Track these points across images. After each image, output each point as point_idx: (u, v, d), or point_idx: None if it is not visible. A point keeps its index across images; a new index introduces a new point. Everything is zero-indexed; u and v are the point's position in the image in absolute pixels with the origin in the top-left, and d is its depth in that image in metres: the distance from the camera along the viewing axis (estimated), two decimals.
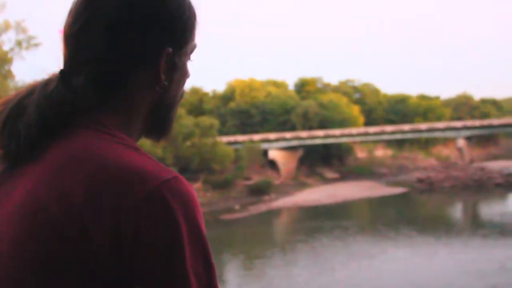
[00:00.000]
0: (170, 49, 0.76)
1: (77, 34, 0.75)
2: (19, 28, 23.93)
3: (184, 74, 0.81)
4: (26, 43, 23.95)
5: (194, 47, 0.81)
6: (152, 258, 0.65)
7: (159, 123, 0.81)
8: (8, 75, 23.91)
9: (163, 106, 0.79)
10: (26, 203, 0.69)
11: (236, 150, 37.11)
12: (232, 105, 47.32)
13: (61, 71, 0.75)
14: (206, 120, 35.90)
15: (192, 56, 0.81)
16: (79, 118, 0.73)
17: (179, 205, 0.67)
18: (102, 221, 0.65)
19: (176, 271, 0.66)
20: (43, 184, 0.69)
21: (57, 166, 0.69)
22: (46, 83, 0.75)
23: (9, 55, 23.87)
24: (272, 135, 42.00)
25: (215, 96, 49.77)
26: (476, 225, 24.21)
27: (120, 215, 0.65)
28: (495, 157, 55.39)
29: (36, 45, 24.11)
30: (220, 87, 50.88)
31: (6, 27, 24.05)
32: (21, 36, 23.96)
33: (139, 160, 0.69)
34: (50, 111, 0.72)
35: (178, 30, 0.77)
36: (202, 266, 0.68)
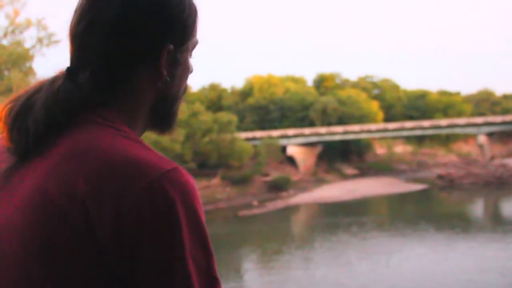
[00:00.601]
0: (172, 46, 0.79)
1: (82, 33, 0.78)
2: (40, 25, 24.25)
3: (186, 70, 0.84)
4: (47, 40, 24.27)
5: (195, 43, 0.84)
6: (153, 246, 0.69)
7: (162, 117, 0.84)
8: (30, 72, 24.24)
9: (166, 101, 0.82)
10: (34, 195, 0.72)
11: (255, 146, 37.17)
12: (251, 101, 47.39)
13: (68, 69, 0.79)
14: (224, 116, 36.01)
15: (194, 52, 0.84)
16: (85, 113, 0.76)
17: (179, 195, 0.70)
18: (104, 211, 0.69)
19: (176, 259, 0.69)
20: (49, 177, 0.72)
21: (63, 159, 0.73)
22: (53, 80, 0.78)
23: (31, 52, 24.19)
24: (290, 131, 42.00)
25: (234, 92, 49.90)
26: (497, 223, 23.93)
27: (122, 205, 0.69)
28: None
29: (57, 42, 24.41)
30: (238, 83, 51.04)
31: (27, 24, 24.38)
32: (42, 33, 24.28)
33: (141, 152, 0.72)
34: (57, 108, 0.75)
35: (179, 28, 0.80)
36: (201, 254, 0.71)
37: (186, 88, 0.86)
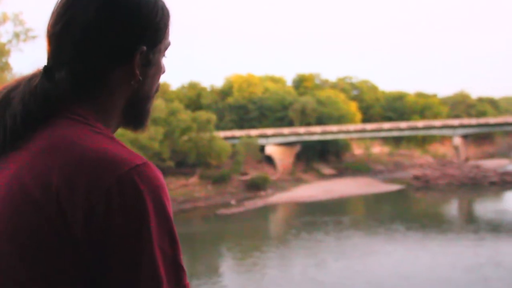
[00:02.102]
0: (144, 47, 0.83)
1: (58, 33, 0.82)
2: (17, 20, 23.95)
3: (159, 70, 0.88)
4: (24, 35, 23.98)
5: (168, 44, 0.88)
6: (122, 236, 0.72)
7: (136, 115, 0.88)
8: (6, 67, 23.97)
9: (139, 99, 0.87)
10: (11, 187, 0.76)
11: (233, 145, 37.26)
12: (230, 100, 47.44)
13: (45, 67, 0.83)
14: (203, 115, 35.99)
15: (167, 53, 0.90)
16: (61, 110, 0.80)
17: (147, 188, 0.74)
18: (76, 202, 0.72)
19: (144, 248, 0.73)
20: (25, 169, 0.76)
21: (38, 154, 0.76)
22: (31, 78, 0.83)
23: (7, 47, 23.90)
24: (269, 131, 42.15)
25: (213, 91, 49.86)
26: (470, 222, 24.44)
27: (93, 197, 0.72)
28: (491, 156, 55.82)
29: (34, 37, 24.14)
30: (218, 82, 51.00)
31: (3, 19, 24.06)
32: (18, 29, 23.99)
33: (112, 147, 0.76)
34: (34, 104, 0.79)
35: (152, 30, 0.84)
36: (168, 243, 0.75)
37: (158, 87, 0.90)
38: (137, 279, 0.73)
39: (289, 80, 54.49)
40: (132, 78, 0.83)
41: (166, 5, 0.87)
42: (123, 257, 0.73)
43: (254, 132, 41.66)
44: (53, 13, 0.83)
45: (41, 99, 0.79)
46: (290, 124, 45.09)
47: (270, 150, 40.68)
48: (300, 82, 53.76)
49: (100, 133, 0.78)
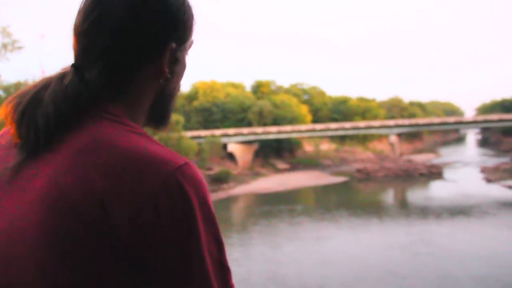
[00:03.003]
0: (174, 45, 0.75)
1: (87, 31, 0.73)
2: (5, 32, 23.32)
3: (184, 68, 0.80)
4: (11, 46, 23.37)
5: (192, 43, 0.80)
6: (170, 240, 0.64)
7: (160, 113, 0.80)
8: None
9: (165, 97, 0.79)
10: (49, 190, 0.65)
11: (199, 144, 37.09)
12: (196, 104, 47.17)
13: (75, 66, 0.73)
14: (172, 117, 35.69)
15: (189, 51, 0.82)
16: (93, 109, 0.71)
17: (192, 188, 0.65)
18: (122, 206, 0.63)
19: (193, 251, 0.65)
20: (63, 173, 0.65)
21: (76, 154, 0.66)
22: (61, 77, 0.73)
23: None
24: (231, 131, 42.04)
25: (181, 95, 49.16)
26: (403, 208, 25.16)
27: (139, 200, 0.63)
28: (420, 151, 57.29)
29: (20, 48, 23.57)
30: (185, 88, 50.54)
31: None
32: (6, 40, 23.36)
33: (152, 147, 0.67)
34: (66, 103, 0.70)
35: (180, 28, 0.76)
36: (215, 245, 0.67)
37: (180, 86, 0.82)
38: (188, 283, 0.65)
39: (248, 86, 54.51)
40: (160, 76, 0.75)
41: (191, 4, 0.79)
42: (173, 262, 0.64)
43: (217, 132, 41.57)
44: (80, 10, 0.74)
45: (73, 99, 0.70)
46: (249, 124, 45.20)
47: (232, 147, 40.69)
48: (258, 88, 53.82)
49: (136, 133, 0.70)
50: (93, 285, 0.64)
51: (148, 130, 0.78)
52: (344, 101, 57.17)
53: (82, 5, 0.74)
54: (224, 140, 40.50)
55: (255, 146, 42.14)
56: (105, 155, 0.65)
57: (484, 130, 79.81)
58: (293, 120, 46.23)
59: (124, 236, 0.63)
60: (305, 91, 57.69)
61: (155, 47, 0.74)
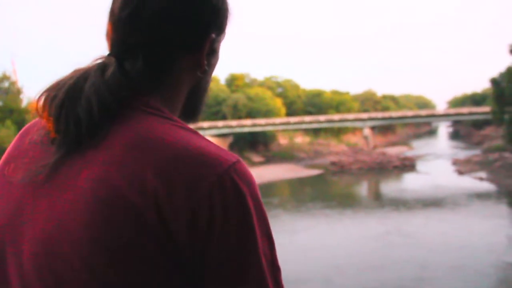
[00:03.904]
0: (213, 35, 0.72)
1: (126, 19, 0.69)
2: None
3: (218, 59, 0.77)
4: None
5: (225, 35, 0.77)
6: (227, 238, 0.62)
7: (195, 106, 0.77)
8: None
9: (200, 90, 0.76)
10: (100, 189, 0.61)
11: None
12: None
13: (115, 56, 0.69)
14: None
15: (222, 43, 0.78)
16: (133, 102, 0.67)
17: (246, 186, 0.63)
18: (177, 205, 0.61)
19: (251, 251, 0.63)
20: (112, 169, 0.62)
21: (124, 150, 0.63)
22: (101, 67, 0.68)
23: None
24: (205, 124, 41.79)
25: None
26: (377, 200, 25.54)
27: (195, 198, 0.61)
28: (393, 144, 58.10)
29: None
30: None
31: None
32: None
33: (203, 143, 0.65)
34: (109, 96, 0.66)
35: (220, 18, 0.73)
36: (267, 245, 0.65)
37: (211, 79, 0.79)
38: (245, 283, 0.62)
39: (222, 79, 54.34)
40: (198, 68, 0.72)
41: None
42: (229, 261, 0.62)
43: (191, 125, 41.26)
44: None
45: (117, 91, 0.66)
46: (224, 118, 45.08)
47: None
48: (232, 81, 53.68)
49: (184, 128, 0.67)
50: (142, 285, 0.61)
51: None
52: (318, 94, 57.44)
53: None
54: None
55: (229, 139, 42.08)
56: (156, 152, 0.62)
57: (455, 123, 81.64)
58: (267, 113, 46.29)
59: (179, 235, 0.60)
60: (279, 84, 57.80)
61: (197, 38, 0.71)
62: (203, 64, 0.72)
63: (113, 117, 0.65)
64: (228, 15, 0.75)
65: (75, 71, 0.69)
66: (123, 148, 0.63)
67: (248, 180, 0.64)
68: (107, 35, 0.71)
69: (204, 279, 0.62)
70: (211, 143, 0.66)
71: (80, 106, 0.65)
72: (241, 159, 0.65)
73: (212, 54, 0.74)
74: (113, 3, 0.71)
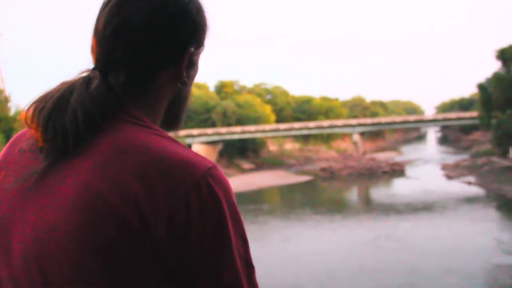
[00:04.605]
0: (192, 49, 0.77)
1: (110, 35, 0.73)
2: None
3: (197, 71, 0.82)
4: None
5: (204, 47, 0.81)
6: (203, 237, 0.66)
7: (175, 115, 0.82)
8: None
9: (180, 100, 0.81)
10: (84, 194, 0.66)
11: None
12: None
13: (99, 70, 0.74)
14: None
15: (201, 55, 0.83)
16: (118, 113, 0.72)
17: (221, 190, 0.68)
18: (157, 208, 0.65)
19: (225, 247, 0.67)
20: (97, 176, 0.66)
21: (108, 158, 0.67)
22: (86, 81, 0.73)
23: None
24: (195, 131, 41.88)
25: None
26: (367, 205, 25.69)
27: (173, 201, 0.65)
28: (383, 149, 58.52)
29: None
30: None
31: None
32: None
33: (181, 150, 0.69)
34: (94, 107, 0.70)
35: (198, 32, 0.78)
36: (241, 244, 0.70)
37: (191, 89, 0.84)
38: (220, 282, 0.67)
39: (211, 86, 54.36)
40: (178, 79, 0.77)
41: (206, 10, 0.81)
42: (205, 261, 0.67)
43: (181, 132, 39.71)
44: (101, 14, 0.75)
45: (101, 102, 0.71)
46: (213, 125, 45.10)
47: (196, 148, 40.43)
48: (221, 88, 53.71)
49: (163, 136, 0.71)
50: (126, 284, 0.65)
51: None
52: (307, 100, 57.68)
53: (102, 8, 0.75)
54: (189, 140, 40.30)
55: (219, 147, 42.11)
56: (138, 158, 0.67)
57: (444, 128, 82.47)
58: (257, 120, 46.38)
59: (159, 236, 0.65)
60: (268, 91, 57.95)
61: (176, 52, 0.75)
62: (182, 76, 0.77)
63: (98, 127, 0.70)
64: (207, 29, 0.80)
65: (62, 84, 0.74)
66: (106, 155, 0.67)
67: (224, 185, 0.68)
68: (92, 50, 0.76)
69: (186, 278, 0.67)
70: (189, 150, 0.70)
71: (67, 117, 0.69)
72: (217, 165, 0.70)
73: (191, 66, 0.79)
74: (97, 20, 0.75)
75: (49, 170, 0.69)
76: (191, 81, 0.81)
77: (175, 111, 0.81)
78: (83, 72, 0.75)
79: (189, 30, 0.76)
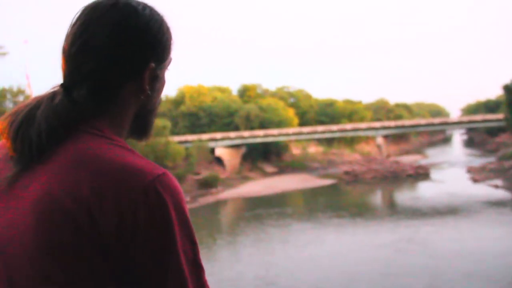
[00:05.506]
0: (153, 64, 0.82)
1: (74, 55, 0.79)
2: None
3: (163, 84, 0.87)
4: None
5: (170, 60, 0.87)
6: (149, 242, 0.71)
7: (142, 126, 0.87)
8: None
9: (146, 112, 0.86)
10: (42, 198, 0.73)
11: (187, 148, 37.14)
12: (183, 108, 47.16)
13: (64, 86, 0.80)
14: (159, 122, 35.65)
15: (169, 67, 0.88)
16: (80, 125, 0.78)
17: (169, 195, 0.73)
18: (106, 212, 0.71)
19: (170, 252, 0.72)
20: (54, 182, 0.73)
21: (65, 166, 0.74)
22: (52, 96, 0.80)
23: None
24: (218, 135, 42.13)
25: (167, 100, 49.35)
26: (391, 208, 25.50)
27: (122, 207, 0.71)
28: (407, 152, 57.75)
29: (4, 54, 23.51)
30: (171, 93, 50.42)
31: None
32: None
33: (133, 159, 0.75)
34: (56, 121, 0.77)
35: (159, 49, 0.83)
36: (189, 246, 0.74)
37: (161, 100, 0.89)
38: (165, 280, 0.73)
39: (234, 90, 54.62)
40: (141, 93, 0.82)
41: (169, 25, 0.86)
42: (151, 261, 0.72)
43: (204, 136, 41.60)
44: (68, 35, 0.81)
45: (64, 116, 0.78)
46: (236, 128, 45.31)
47: (219, 152, 40.73)
48: (244, 92, 53.93)
49: (119, 146, 0.77)
50: (83, 283, 0.71)
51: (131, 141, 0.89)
52: (330, 103, 57.39)
53: (69, 30, 0.81)
54: (212, 144, 40.53)
55: (242, 150, 42.24)
56: (91, 166, 0.73)
57: (469, 131, 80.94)
58: (280, 124, 46.37)
59: (108, 237, 0.70)
60: (291, 94, 57.82)
61: (136, 67, 0.81)
62: (145, 90, 0.82)
63: (60, 139, 0.76)
64: (169, 45, 0.85)
65: (34, 99, 0.82)
66: (65, 164, 0.74)
67: (172, 191, 0.73)
68: (62, 68, 0.83)
69: (134, 279, 0.72)
70: (143, 159, 0.76)
71: (33, 129, 0.77)
72: (168, 173, 0.75)
73: (155, 80, 0.84)
74: (65, 41, 0.82)
75: (17, 177, 0.77)
76: (157, 93, 0.86)
77: (142, 122, 0.87)
78: (54, 88, 0.82)
79: (149, 48, 0.81)
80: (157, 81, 0.84)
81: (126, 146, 0.78)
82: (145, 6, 0.82)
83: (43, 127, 0.76)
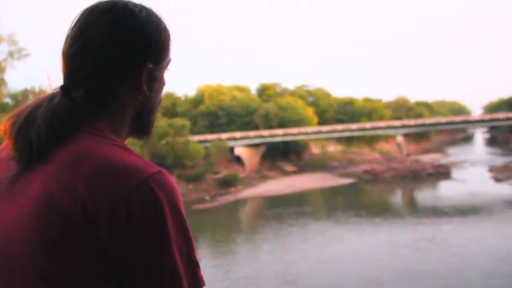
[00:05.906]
0: (151, 65, 0.83)
1: (73, 57, 0.81)
2: (11, 40, 23.74)
3: (162, 84, 0.88)
4: (18, 54, 23.77)
5: (169, 61, 0.88)
6: (143, 239, 0.72)
7: (142, 125, 0.88)
8: (1, 82, 23.72)
9: (145, 112, 0.87)
10: (41, 198, 0.74)
11: (206, 148, 37.28)
12: (202, 107, 47.37)
13: (63, 87, 0.82)
14: (178, 121, 35.97)
15: (169, 67, 0.89)
16: (80, 125, 0.80)
17: (163, 193, 0.74)
18: (101, 210, 0.72)
19: (164, 249, 0.73)
20: (52, 182, 0.74)
21: (63, 165, 0.75)
22: (51, 97, 0.82)
23: (2, 65, 23.67)
24: (237, 134, 42.23)
25: (187, 99, 49.68)
26: (411, 208, 25.29)
27: (116, 203, 0.72)
28: (427, 151, 57.07)
29: (26, 55, 23.99)
30: (191, 92, 50.63)
31: None
32: (13, 48, 23.78)
33: (129, 158, 0.76)
34: (55, 121, 0.78)
35: (157, 50, 0.84)
36: (184, 243, 0.75)
37: (160, 100, 0.90)
38: (160, 277, 0.74)
39: (253, 89, 54.57)
40: (139, 93, 0.84)
41: (167, 25, 0.87)
42: (146, 258, 0.73)
43: (224, 135, 41.73)
44: (67, 38, 0.83)
45: (63, 117, 0.79)
46: (256, 127, 45.33)
47: (239, 151, 40.83)
48: (263, 91, 53.90)
49: (117, 145, 0.78)
50: (81, 282, 0.73)
51: (130, 142, 0.91)
52: (350, 102, 56.99)
53: (68, 33, 0.83)
54: (231, 143, 40.62)
55: (262, 149, 42.26)
56: (88, 165, 0.74)
57: (491, 129, 79.62)
58: (299, 122, 46.24)
59: (103, 235, 0.72)
60: (310, 93, 57.59)
61: (133, 69, 0.82)
62: (143, 90, 0.83)
63: (59, 138, 0.78)
64: (167, 46, 0.87)
65: (35, 100, 0.85)
66: (64, 164, 0.76)
67: (167, 189, 0.74)
68: (62, 70, 0.85)
69: (129, 275, 0.73)
70: (139, 157, 0.77)
71: (33, 130, 0.79)
72: (164, 171, 0.76)
73: (153, 80, 0.85)
74: (64, 44, 0.83)
75: (18, 176, 0.78)
76: (156, 93, 0.87)
77: (142, 121, 0.88)
78: (54, 89, 0.84)
79: (146, 49, 0.83)
80: (155, 81, 0.85)
81: (125, 145, 0.80)
82: (142, 8, 0.84)
83: (42, 127, 0.78)
